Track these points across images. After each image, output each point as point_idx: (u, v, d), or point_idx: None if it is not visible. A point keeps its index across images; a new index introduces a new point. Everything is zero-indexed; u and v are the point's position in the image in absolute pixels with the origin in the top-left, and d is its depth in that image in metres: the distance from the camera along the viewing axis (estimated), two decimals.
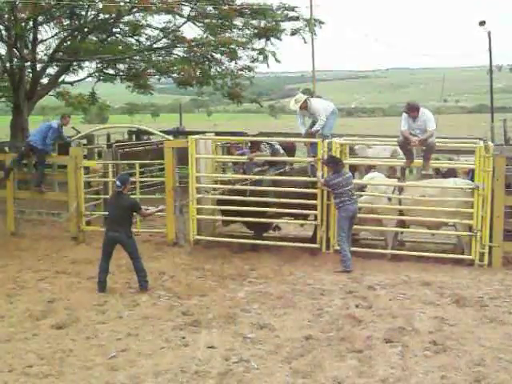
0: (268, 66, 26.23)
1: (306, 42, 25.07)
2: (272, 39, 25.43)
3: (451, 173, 15.59)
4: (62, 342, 9.04)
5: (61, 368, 8.24)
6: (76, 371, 8.14)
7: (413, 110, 12.73)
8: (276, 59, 25.84)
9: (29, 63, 25.23)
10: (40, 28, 25.44)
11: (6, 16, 23.66)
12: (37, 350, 8.85)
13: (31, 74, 25.98)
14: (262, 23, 25.26)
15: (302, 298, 10.77)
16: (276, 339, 9.04)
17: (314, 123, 13.97)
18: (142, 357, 8.52)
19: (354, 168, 15.18)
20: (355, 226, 13.18)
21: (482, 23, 34.47)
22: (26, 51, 24.98)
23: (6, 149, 23.19)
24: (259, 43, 25.78)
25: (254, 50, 25.90)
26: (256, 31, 25.35)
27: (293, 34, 25.42)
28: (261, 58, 25.98)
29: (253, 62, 26.37)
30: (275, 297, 10.80)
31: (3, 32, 25.00)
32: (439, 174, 17.06)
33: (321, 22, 25.09)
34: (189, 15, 25.00)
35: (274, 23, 25.11)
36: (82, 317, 9.97)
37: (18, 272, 12.71)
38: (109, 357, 8.53)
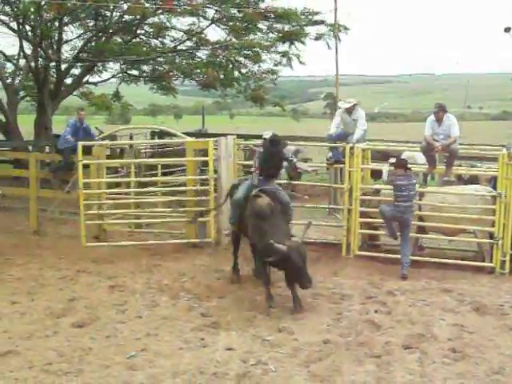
0: (292, 68, 26.26)
1: (330, 48, 25.01)
2: (296, 43, 25.46)
3: (473, 180, 15.50)
4: (81, 341, 9.12)
5: (80, 366, 8.32)
6: (95, 369, 8.21)
7: (441, 109, 12.66)
8: (300, 61, 25.86)
9: (54, 63, 25.42)
10: (65, 28, 25.63)
11: (32, 16, 23.85)
12: (57, 347, 8.94)
13: (56, 74, 26.16)
14: (286, 27, 25.28)
15: (322, 302, 10.76)
16: (294, 342, 9.05)
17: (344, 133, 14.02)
18: (160, 357, 8.57)
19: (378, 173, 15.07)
20: (375, 232, 13.16)
21: (508, 30, 34.22)
22: (51, 51, 25.16)
23: (30, 148, 23.41)
24: (283, 47, 25.83)
25: (277, 53, 25.93)
26: (280, 35, 25.37)
27: (317, 39, 25.35)
28: (284, 61, 26.01)
29: (276, 65, 26.40)
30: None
31: (29, 32, 25.24)
32: (461, 180, 16.95)
33: (346, 28, 25.02)
34: (213, 18, 25.07)
35: (298, 27, 25.11)
36: (101, 316, 10.04)
37: (40, 270, 12.83)
38: (128, 356, 8.59)
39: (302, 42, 25.45)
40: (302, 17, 25.15)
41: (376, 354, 8.63)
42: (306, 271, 10.22)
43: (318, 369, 8.17)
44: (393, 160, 13.21)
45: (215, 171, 14.22)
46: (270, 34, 25.67)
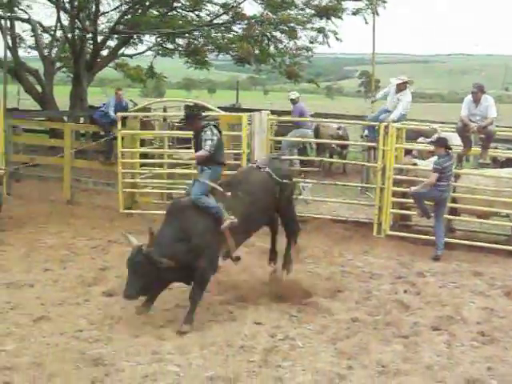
0: (329, 45, 26.03)
1: (367, 23, 24.69)
2: (333, 19, 25.24)
3: (509, 162, 15.34)
4: (111, 309, 9.24)
5: (110, 334, 8.43)
6: (124, 338, 8.31)
7: (480, 90, 12.50)
8: (337, 38, 25.66)
9: (90, 35, 25.54)
10: (102, 0, 25.73)
11: None
12: (87, 315, 9.07)
13: (92, 46, 26.30)
14: (324, 2, 25.07)
15: (351, 281, 10.80)
16: (322, 319, 9.09)
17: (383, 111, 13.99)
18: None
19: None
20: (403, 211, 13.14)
21: None
22: (87, 23, 25.33)
23: (65, 118, 23.60)
24: (319, 22, 25.64)
25: (313, 29, 25.73)
26: (317, 10, 25.17)
27: (354, 13, 25.11)
28: (320, 38, 25.83)
29: (312, 42, 26.23)
30: (324, 278, 10.82)
31: (66, 3, 25.36)
32: (497, 163, 16.77)
33: (384, 1, 24.67)
34: None
35: (335, 2, 24.88)
36: None
37: (72, 239, 12.99)
38: (157, 327, 8.68)
39: (339, 17, 25.22)
40: None
41: (404, 334, 8.63)
42: None
43: (345, 346, 8.20)
44: (423, 139, 13.12)
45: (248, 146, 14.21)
46: (307, 10, 25.48)
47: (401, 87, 13.93)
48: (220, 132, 9.43)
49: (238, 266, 11.00)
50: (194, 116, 9.51)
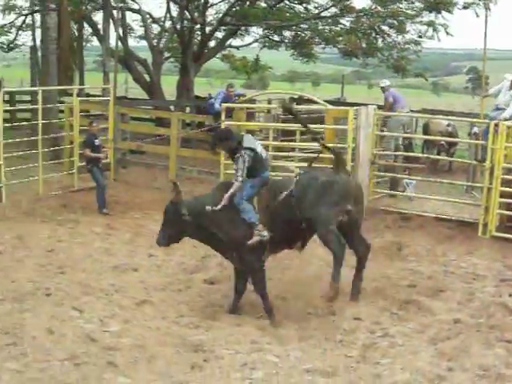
0: (438, 39, 25.51)
1: (478, 16, 24.06)
2: (443, 13, 24.73)
3: None
4: (213, 297, 9.38)
5: (211, 321, 8.56)
6: (224, 326, 8.44)
7: None
8: (447, 32, 25.11)
9: (198, 26, 25.92)
10: None
11: None
12: (188, 301, 9.25)
13: (200, 37, 26.68)
14: None
15: (454, 281, 10.55)
16: (423, 319, 8.94)
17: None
18: (288, 320, 8.70)
19: None
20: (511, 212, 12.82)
21: None
22: (196, 14, 25.68)
23: (172, 107, 24.03)
24: (428, 16, 25.18)
25: (422, 23, 25.31)
26: (426, 4, 24.73)
27: (465, 7, 24.48)
28: (428, 32, 25.37)
29: (420, 36, 25.80)
30: (426, 276, 10.65)
31: None
32: None
33: None
34: None
35: None
36: (233, 275, 10.26)
37: None
38: (257, 316, 8.77)
39: (450, 11, 24.66)
40: None
41: (507, 338, 8.35)
42: None
43: (446, 347, 8.02)
44: None
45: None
46: (416, 3, 25.06)
47: None
48: (252, 150, 9.08)
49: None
50: (224, 138, 9.39)
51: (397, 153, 15.73)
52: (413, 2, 25.02)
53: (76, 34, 27.62)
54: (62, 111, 19.08)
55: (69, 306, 8.90)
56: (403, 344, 8.12)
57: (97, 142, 14.78)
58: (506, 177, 12.90)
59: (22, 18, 30.78)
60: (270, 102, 22.80)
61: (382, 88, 17.32)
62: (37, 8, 25.11)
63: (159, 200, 14.94)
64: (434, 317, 9.00)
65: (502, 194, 12.93)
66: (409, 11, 24.89)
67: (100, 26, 26.08)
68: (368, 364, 7.58)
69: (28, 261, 10.89)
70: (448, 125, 19.41)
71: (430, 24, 24.98)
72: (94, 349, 7.64)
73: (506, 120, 13.03)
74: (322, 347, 7.95)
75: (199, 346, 7.80)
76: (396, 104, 16.63)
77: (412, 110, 18.97)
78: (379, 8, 24.75)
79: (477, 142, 15.43)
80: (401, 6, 25.02)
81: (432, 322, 8.80)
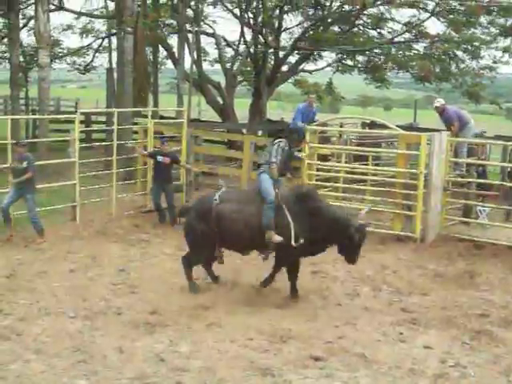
0: None
1: None
2: None
3: None
4: (282, 321, 9.35)
5: (279, 345, 8.54)
6: (293, 351, 8.40)
7: None
8: None
9: (272, 50, 26.15)
10: (285, 16, 26.36)
11: (255, 3, 24.69)
12: (258, 325, 9.23)
13: (273, 61, 26.90)
14: (510, 21, 24.29)
15: None
16: (496, 349, 8.74)
17: None
18: (356, 346, 8.60)
19: None
20: None
21: None
22: (270, 38, 25.92)
23: (244, 130, 24.24)
24: (504, 42, 24.89)
25: (497, 49, 25.01)
26: (501, 30, 24.45)
27: None
28: (504, 58, 25.07)
29: (495, 62, 25.49)
30: (499, 306, 10.43)
31: (250, 18, 26.13)
32: None
33: None
34: (433, 10, 24.63)
35: None
36: (302, 299, 10.25)
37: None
38: (325, 342, 8.72)
39: None
40: None
41: None
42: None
43: None
44: None
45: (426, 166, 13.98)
46: (491, 29, 24.80)
47: None
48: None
49: (409, 288, 10.92)
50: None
51: (471, 179, 15.46)
52: (488, 28, 24.76)
53: (151, 57, 28.18)
54: (135, 132, 19.43)
55: (139, 326, 9.02)
56: (475, 375, 7.95)
57: (160, 158, 15.06)
58: None
59: (99, 40, 31.67)
60: (341, 126, 22.81)
61: (436, 108, 15.94)
62: (113, 31, 25.75)
63: None
64: (506, 347, 8.79)
65: None
66: (483, 37, 24.63)
67: (175, 50, 26.57)
68: None
69: (100, 279, 11.10)
70: None
71: (507, 49, 24.65)
72: (163, 369, 7.72)
73: None
74: (393, 375, 7.84)
75: (268, 370, 7.76)
76: (461, 122, 15.66)
77: (486, 136, 18.64)
78: (453, 34, 24.55)
79: None
80: (476, 31, 24.79)
81: (505, 353, 8.59)
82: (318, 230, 9.77)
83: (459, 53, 25.52)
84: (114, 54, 24.45)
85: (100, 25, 31.31)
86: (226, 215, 10.04)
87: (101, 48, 31.97)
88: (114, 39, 26.17)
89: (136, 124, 19.11)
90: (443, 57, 25.40)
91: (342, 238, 9.75)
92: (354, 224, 9.71)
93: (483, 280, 11.78)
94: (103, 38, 31.22)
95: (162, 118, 24.60)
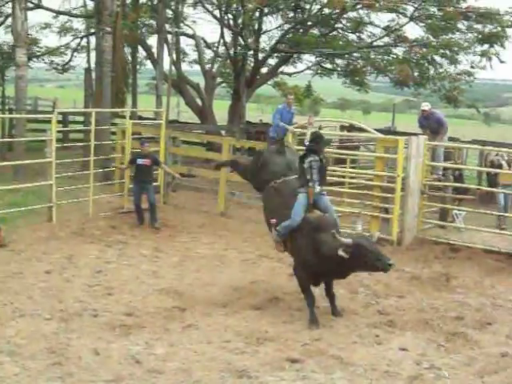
0: (491, 67, 25.33)
1: None
2: (495, 46, 24.59)
3: None
4: (259, 323, 9.35)
5: (256, 347, 8.54)
6: (270, 352, 8.40)
7: None
8: (500, 60, 24.93)
9: (251, 52, 26.16)
10: (265, 19, 26.37)
11: (235, 5, 24.71)
12: (235, 326, 9.22)
13: (252, 63, 26.92)
14: (487, 28, 24.49)
15: (502, 314, 10.36)
16: (470, 351, 8.79)
17: None
18: (333, 348, 8.62)
19: None
20: None
21: None
22: (250, 40, 25.93)
23: (223, 132, 24.23)
24: (481, 48, 25.06)
25: (475, 54, 25.20)
26: (479, 36, 24.64)
27: None
28: (481, 63, 25.24)
29: (473, 67, 25.67)
30: (474, 308, 10.50)
31: (231, 20, 26.14)
32: None
33: None
34: (412, 15, 24.79)
35: (499, 29, 24.24)
36: (280, 301, 10.25)
37: (224, 251, 13.32)
38: (301, 344, 8.73)
39: (502, 46, 24.54)
40: (506, 18, 24.21)
41: None
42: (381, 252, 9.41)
43: (493, 381, 7.89)
44: None
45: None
46: (469, 35, 24.98)
47: None
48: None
49: (386, 291, 10.96)
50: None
51: (448, 184, 15.57)
52: (465, 33, 24.94)
53: (130, 57, 28.06)
54: (114, 133, 19.36)
55: (115, 328, 8.98)
56: (449, 377, 7.99)
57: (140, 161, 15.00)
58: None
59: (78, 40, 31.51)
60: (320, 128, 22.85)
61: (423, 112, 15.97)
62: (92, 31, 25.64)
63: (207, 224, 15.14)
64: (481, 350, 8.85)
65: None
66: (461, 42, 24.80)
67: (154, 50, 26.48)
68: None
69: (76, 281, 11.02)
70: (496, 155, 19.17)
71: (484, 54, 24.82)
72: (139, 371, 7.69)
73: None
74: (369, 377, 7.86)
75: (244, 372, 7.76)
76: (445, 126, 15.97)
77: (462, 141, 18.80)
78: (432, 38, 24.70)
79: None
80: (453, 36, 24.95)
81: (479, 355, 8.65)
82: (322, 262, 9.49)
83: (437, 57, 25.65)
84: (93, 54, 24.33)
85: (79, 24, 31.12)
86: None
87: (79, 47, 31.77)
88: (92, 39, 26.08)
89: (114, 124, 19.03)
90: (422, 61, 25.52)
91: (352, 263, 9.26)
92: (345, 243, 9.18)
93: (459, 283, 11.86)
94: (82, 38, 31.04)
95: (140, 118, 24.57)
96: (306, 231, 9.60)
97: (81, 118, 27.14)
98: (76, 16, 29.82)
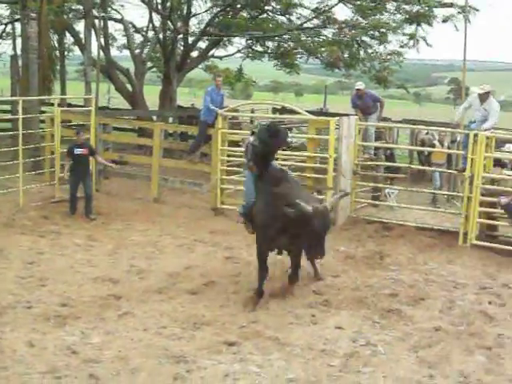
0: (418, 51, 25.68)
1: (457, 30, 24.26)
2: (423, 25, 24.91)
3: None
4: (195, 307, 9.36)
5: (193, 332, 8.55)
6: (207, 336, 8.42)
7: None
8: (427, 43, 25.26)
9: (181, 36, 25.95)
10: (194, 2, 26.14)
11: None
12: (171, 312, 9.21)
13: (182, 47, 26.71)
14: (415, 8, 24.76)
15: (435, 289, 10.61)
16: (405, 327, 9.00)
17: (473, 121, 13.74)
18: (269, 329, 8.69)
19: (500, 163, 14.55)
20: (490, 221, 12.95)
21: None
22: (179, 24, 25.69)
23: (154, 118, 24.04)
24: (409, 28, 25.35)
25: (404, 34, 25.47)
26: (407, 16, 24.90)
27: (444, 21, 24.61)
28: (410, 43, 25.52)
29: (402, 47, 25.94)
30: (407, 285, 10.70)
31: (159, 4, 25.88)
32: None
33: (475, 9, 24.17)
34: None
35: (426, 9, 24.55)
36: (216, 285, 10.27)
37: (158, 237, 13.23)
38: (238, 327, 8.76)
39: (430, 24, 24.84)
40: None
41: (487, 345, 8.45)
42: (323, 241, 9.18)
43: (427, 355, 8.09)
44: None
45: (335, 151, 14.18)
46: (398, 15, 25.22)
47: (483, 97, 13.55)
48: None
49: (322, 271, 11.07)
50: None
51: (379, 163, 15.78)
52: (394, 14, 25.17)
53: (57, 43, 27.52)
54: (43, 121, 19.01)
55: (49, 319, 8.85)
56: (385, 352, 8.16)
57: (77, 151, 14.75)
58: (485, 186, 13.00)
59: (2, 26, 30.74)
60: (253, 111, 22.89)
61: (358, 91, 16.14)
62: (17, 17, 25.05)
63: (141, 211, 15.04)
64: (415, 325, 9.06)
65: (482, 203, 13.02)
66: (390, 23, 25.02)
67: (82, 36, 26.00)
68: (350, 373, 7.60)
69: (8, 273, 10.78)
70: (427, 133, 19.55)
71: (412, 36, 25.11)
72: (75, 361, 7.62)
73: (485, 131, 13.09)
74: (305, 357, 7.95)
75: (181, 357, 7.77)
76: (380, 101, 16.27)
77: (393, 120, 19.05)
78: (361, 19, 24.87)
79: (457, 152, 15.61)
80: (382, 17, 25.15)
81: (413, 330, 8.86)
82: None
83: (367, 38, 25.82)
84: (19, 41, 23.74)
85: (3, 10, 30.33)
86: None
87: (4, 34, 31.01)
88: (18, 25, 25.43)
89: (43, 113, 18.68)
90: (351, 42, 25.65)
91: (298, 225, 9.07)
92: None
93: (392, 260, 12.07)
94: (6, 24, 30.30)
95: (70, 105, 24.17)
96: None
97: (8, 107, 26.53)
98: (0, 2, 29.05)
